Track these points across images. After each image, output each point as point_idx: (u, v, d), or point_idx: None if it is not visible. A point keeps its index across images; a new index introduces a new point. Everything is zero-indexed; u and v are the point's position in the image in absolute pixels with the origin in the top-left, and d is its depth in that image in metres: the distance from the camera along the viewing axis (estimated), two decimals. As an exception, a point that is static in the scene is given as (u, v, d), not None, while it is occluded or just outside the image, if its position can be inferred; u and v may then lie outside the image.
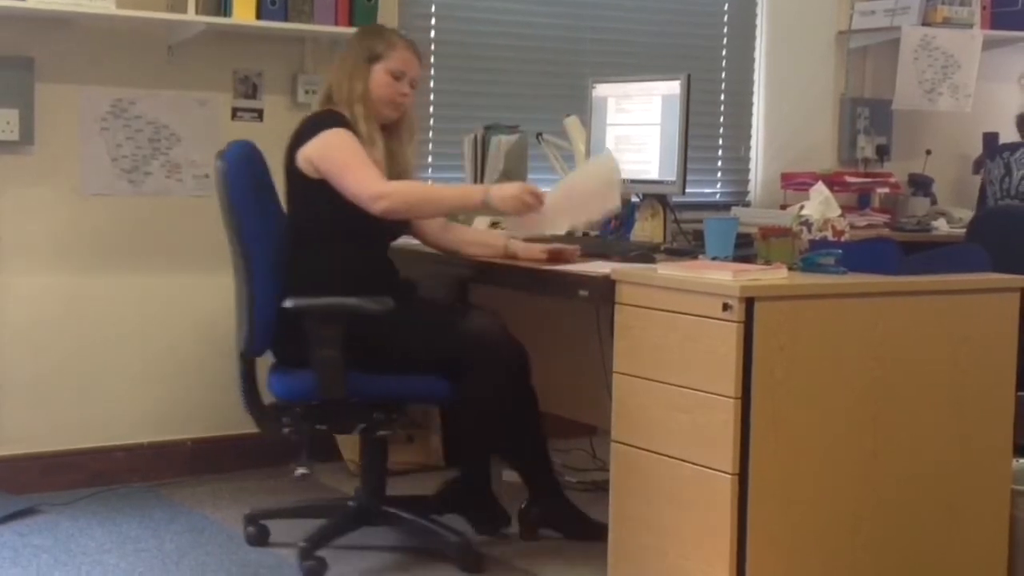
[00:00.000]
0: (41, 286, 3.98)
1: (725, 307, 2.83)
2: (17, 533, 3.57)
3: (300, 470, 3.55)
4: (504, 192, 3.35)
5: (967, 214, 5.05)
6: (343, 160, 3.34)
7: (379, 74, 3.45)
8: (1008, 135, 5.33)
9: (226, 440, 4.18)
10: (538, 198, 3.35)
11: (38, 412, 3.99)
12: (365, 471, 3.49)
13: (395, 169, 3.46)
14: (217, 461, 4.19)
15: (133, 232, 4.10)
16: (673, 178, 3.71)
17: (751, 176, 5.46)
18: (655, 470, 3.01)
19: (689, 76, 3.68)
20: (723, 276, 2.91)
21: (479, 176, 4.30)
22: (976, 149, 5.53)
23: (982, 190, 5.11)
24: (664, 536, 2.99)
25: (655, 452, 3.02)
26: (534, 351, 3.59)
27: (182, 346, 4.17)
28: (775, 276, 2.97)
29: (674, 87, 3.70)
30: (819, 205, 3.44)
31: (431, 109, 4.68)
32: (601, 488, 3.94)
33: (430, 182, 4.58)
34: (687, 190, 3.78)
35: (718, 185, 5.40)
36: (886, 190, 5.24)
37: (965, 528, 3.15)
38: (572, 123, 4.18)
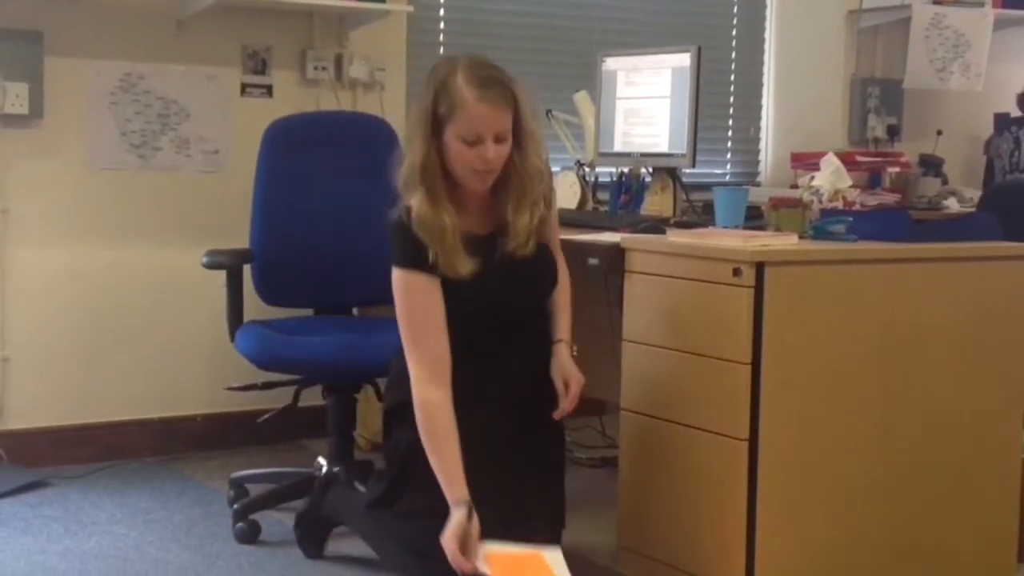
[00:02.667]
0: (50, 260, 3.98)
1: (736, 272, 2.81)
2: (28, 505, 3.57)
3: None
4: (453, 520, 2.66)
5: (978, 194, 5.03)
6: (402, 332, 2.79)
7: (450, 142, 2.74)
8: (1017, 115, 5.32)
9: (236, 416, 4.17)
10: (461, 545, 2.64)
11: (48, 386, 4.00)
12: (330, 440, 3.50)
13: (513, 242, 2.83)
14: (227, 437, 4.19)
15: (142, 207, 4.10)
16: (683, 151, 3.71)
17: (761, 157, 5.46)
18: (665, 437, 3.00)
19: (699, 48, 3.68)
20: (733, 242, 2.90)
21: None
22: (987, 130, 5.51)
23: (989, 165, 5.10)
24: (674, 503, 2.99)
25: (664, 419, 3.00)
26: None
27: (191, 322, 4.17)
28: (786, 242, 2.96)
29: (684, 60, 3.70)
30: (830, 176, 3.44)
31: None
32: (610, 464, 3.95)
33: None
34: (697, 168, 3.78)
35: (728, 166, 5.39)
36: (897, 169, 5.21)
37: (976, 495, 3.14)
38: (582, 98, 4.18)
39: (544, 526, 2.88)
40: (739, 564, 2.85)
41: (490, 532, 2.69)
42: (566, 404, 2.91)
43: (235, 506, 3.38)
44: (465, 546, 2.61)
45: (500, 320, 2.86)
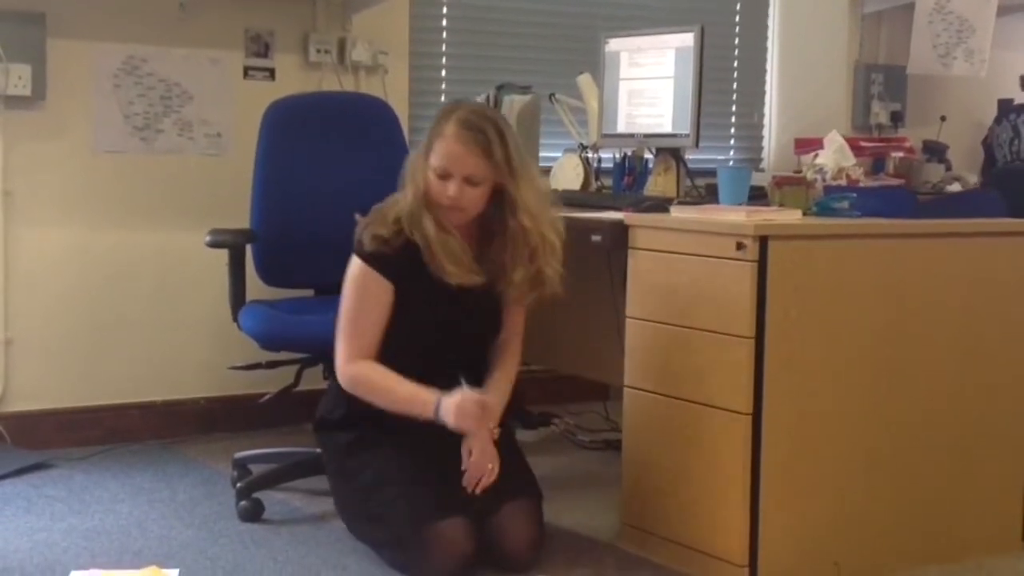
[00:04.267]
0: (53, 243, 3.98)
1: (739, 246, 2.81)
2: (31, 485, 3.57)
3: None
4: (451, 403, 2.86)
5: (980, 181, 5.02)
6: (342, 310, 3.00)
7: (428, 171, 2.91)
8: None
9: (239, 399, 4.17)
10: (482, 407, 2.88)
11: (51, 369, 4.00)
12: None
13: (503, 288, 2.99)
14: (229, 419, 4.19)
15: (145, 190, 4.10)
16: (687, 131, 3.69)
17: (764, 143, 5.45)
18: (668, 413, 3.00)
19: (703, 27, 3.66)
20: (737, 216, 2.90)
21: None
22: (991, 116, 5.49)
23: (988, 153, 5.09)
24: (677, 478, 2.98)
25: (668, 395, 3.00)
26: (546, 310, 3.55)
27: (194, 305, 4.17)
28: (789, 216, 2.96)
29: (687, 39, 3.68)
30: (833, 154, 3.44)
31: (443, 72, 4.68)
32: (613, 447, 3.95)
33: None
34: (700, 153, 3.76)
35: (731, 152, 5.38)
36: (901, 154, 5.18)
37: (980, 471, 3.14)
38: (585, 81, 4.16)
39: (527, 486, 3.03)
40: (743, 539, 2.86)
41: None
42: (471, 472, 2.88)
43: (238, 485, 3.38)
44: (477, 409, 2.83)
45: (446, 346, 2.99)
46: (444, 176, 2.87)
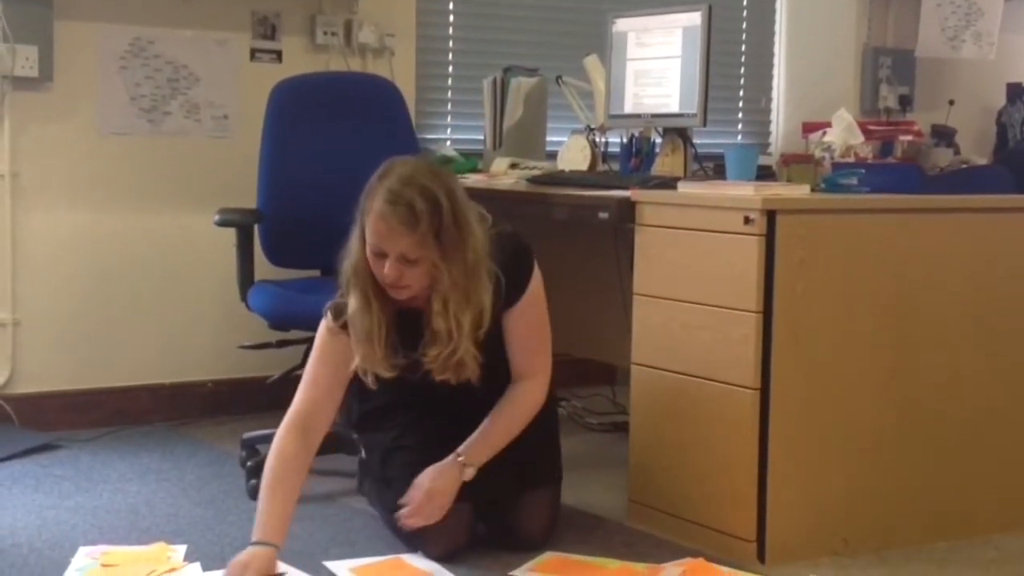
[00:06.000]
0: (60, 224, 3.98)
1: (747, 220, 2.80)
2: (39, 465, 3.57)
3: None
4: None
5: (991, 165, 5.01)
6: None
7: (367, 248, 2.68)
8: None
9: (246, 382, 4.17)
10: None
11: (58, 350, 4.00)
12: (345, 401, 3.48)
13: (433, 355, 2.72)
14: (237, 402, 4.18)
15: (152, 172, 4.10)
16: (694, 111, 3.68)
17: (772, 128, 5.43)
18: (676, 389, 2.99)
19: (710, 6, 3.65)
20: (744, 191, 2.89)
21: (498, 119, 4.29)
22: (999, 100, 5.48)
23: (1001, 132, 5.07)
24: (685, 455, 2.98)
25: (676, 372, 3.00)
26: (553, 292, 3.54)
27: (201, 287, 4.17)
28: (797, 191, 2.95)
29: (695, 18, 3.67)
30: (842, 132, 3.43)
31: (450, 56, 4.67)
32: (620, 429, 3.95)
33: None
34: (707, 138, 3.74)
35: (739, 137, 5.36)
36: (909, 138, 5.17)
37: (989, 446, 3.13)
38: (592, 62, 4.15)
39: (550, 471, 2.99)
40: (750, 515, 2.85)
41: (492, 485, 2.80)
42: (411, 508, 2.76)
43: (249, 463, 3.37)
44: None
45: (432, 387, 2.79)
46: (379, 255, 2.65)
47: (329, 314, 2.81)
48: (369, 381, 2.78)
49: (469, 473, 2.78)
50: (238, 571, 2.57)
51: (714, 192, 2.96)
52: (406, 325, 2.76)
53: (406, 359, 2.74)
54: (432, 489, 2.76)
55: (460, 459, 2.78)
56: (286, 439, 2.75)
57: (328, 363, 2.80)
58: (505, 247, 2.79)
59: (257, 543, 2.62)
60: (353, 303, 2.71)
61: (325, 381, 2.80)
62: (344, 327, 2.77)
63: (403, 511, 2.77)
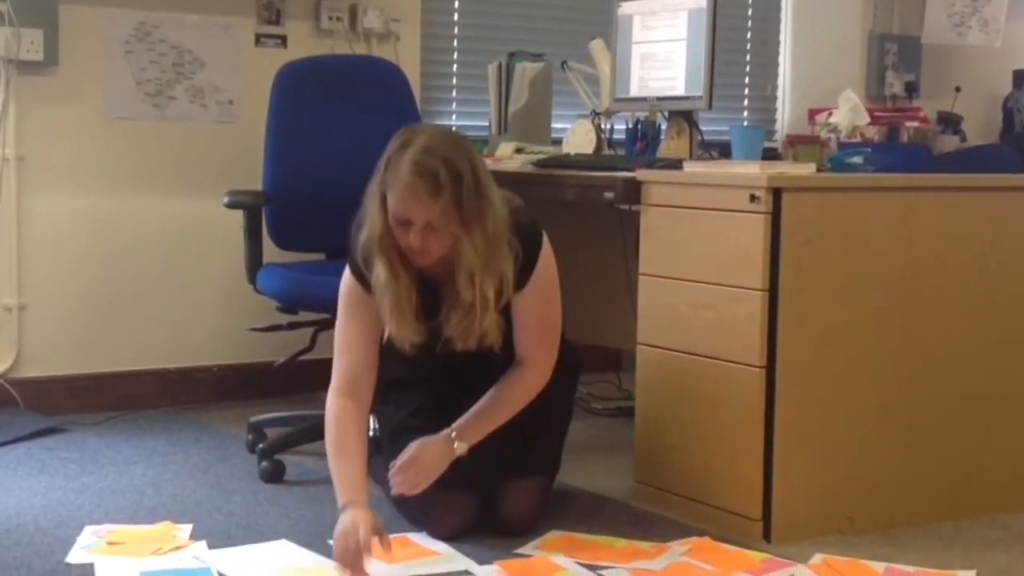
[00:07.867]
0: (66, 208, 3.98)
1: (752, 198, 2.80)
2: (44, 448, 3.58)
3: None
4: (339, 527, 2.60)
5: (997, 152, 5.01)
6: (335, 337, 2.85)
7: (389, 218, 2.67)
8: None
9: (252, 367, 4.17)
10: (357, 554, 2.56)
11: (64, 334, 4.00)
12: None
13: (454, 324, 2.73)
14: (243, 387, 4.19)
15: (157, 156, 4.10)
16: (699, 93, 3.67)
17: (778, 114, 5.43)
18: (681, 369, 2.99)
19: (716, -11, 3.64)
20: (750, 169, 2.89)
21: (503, 104, 4.28)
22: (1006, 87, 5.47)
23: (1008, 118, 5.07)
24: (691, 434, 2.97)
25: (681, 351, 2.99)
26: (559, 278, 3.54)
27: (207, 272, 4.17)
28: (803, 169, 2.95)
29: (701, 1, 3.66)
30: (848, 112, 3.43)
31: (455, 42, 4.67)
32: (625, 414, 3.95)
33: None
34: (713, 124, 3.72)
35: (744, 124, 5.35)
36: (916, 124, 5.17)
37: (995, 425, 3.12)
38: (597, 46, 4.15)
39: (540, 462, 2.96)
40: (756, 494, 2.85)
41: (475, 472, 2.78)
42: (395, 469, 2.76)
43: (260, 446, 3.37)
44: (349, 550, 2.54)
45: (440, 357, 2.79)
46: (404, 223, 2.64)
47: (351, 273, 2.79)
48: (407, 348, 2.77)
49: (460, 449, 2.77)
50: (350, 532, 2.53)
51: (720, 171, 2.95)
52: (424, 294, 2.76)
53: (428, 326, 2.75)
54: (418, 455, 2.75)
55: (452, 434, 2.78)
56: (339, 404, 2.75)
57: (360, 320, 2.79)
58: (520, 227, 2.76)
59: (346, 505, 2.60)
60: (380, 272, 2.69)
61: (360, 341, 2.79)
62: (366, 285, 2.75)
63: (391, 472, 2.77)
